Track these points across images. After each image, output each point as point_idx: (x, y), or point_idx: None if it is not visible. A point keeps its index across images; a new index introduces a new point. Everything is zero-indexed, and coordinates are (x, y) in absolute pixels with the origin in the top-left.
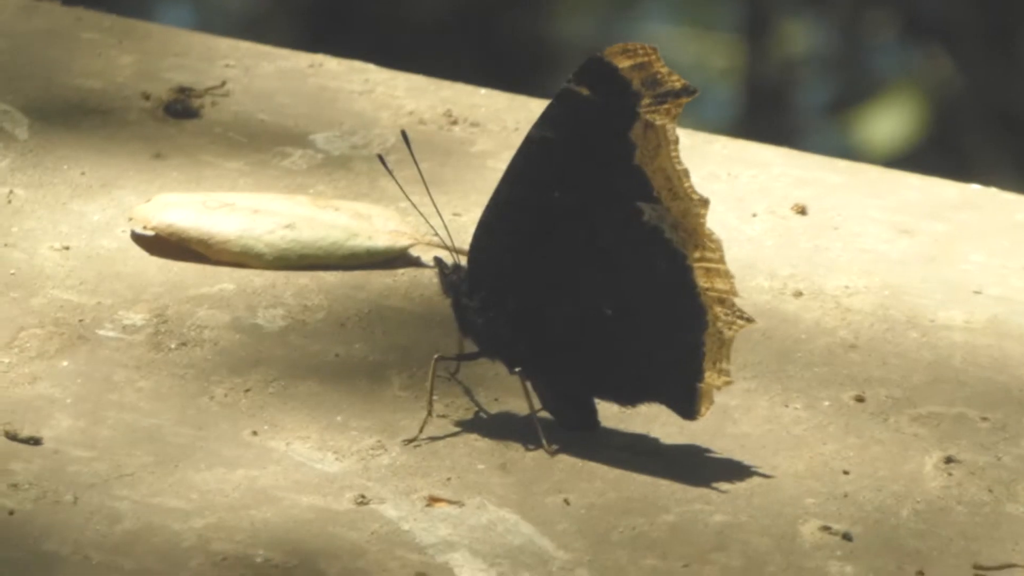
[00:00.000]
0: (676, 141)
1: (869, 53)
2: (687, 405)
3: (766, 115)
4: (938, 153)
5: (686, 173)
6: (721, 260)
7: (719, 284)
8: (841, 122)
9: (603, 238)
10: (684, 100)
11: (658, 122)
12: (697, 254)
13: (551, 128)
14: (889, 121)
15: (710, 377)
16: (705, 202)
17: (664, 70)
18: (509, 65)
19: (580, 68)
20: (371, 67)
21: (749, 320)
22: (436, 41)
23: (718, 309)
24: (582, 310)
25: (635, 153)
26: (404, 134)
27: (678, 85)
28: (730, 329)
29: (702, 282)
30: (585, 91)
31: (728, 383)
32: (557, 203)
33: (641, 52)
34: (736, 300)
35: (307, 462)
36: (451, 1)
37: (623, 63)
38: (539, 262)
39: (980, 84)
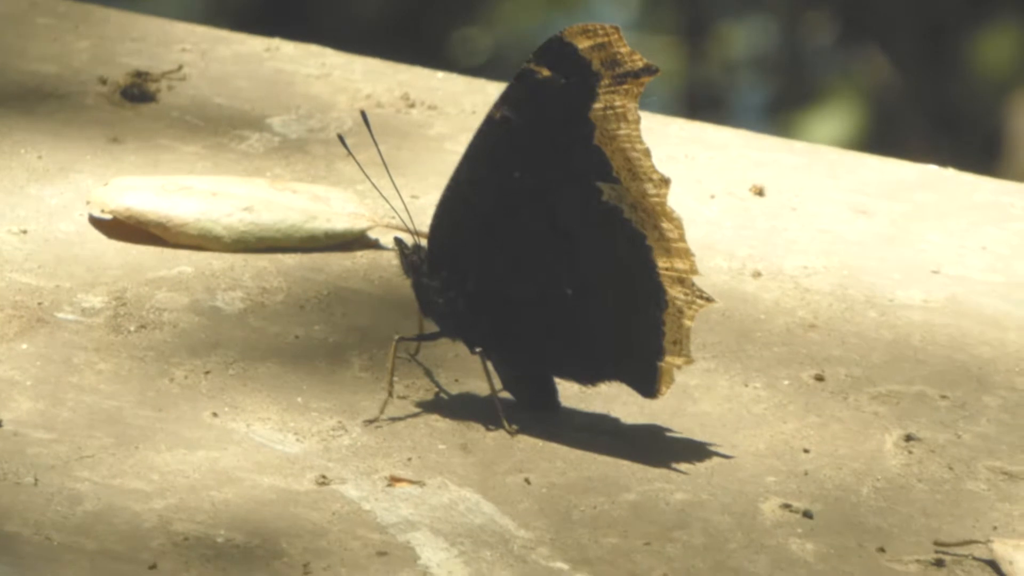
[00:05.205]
0: (638, 121)
1: (808, 55)
2: (647, 384)
3: (706, 117)
4: (877, 153)
5: (647, 152)
6: (681, 239)
7: (678, 264)
8: (781, 124)
9: (563, 218)
10: (645, 79)
11: (617, 102)
12: (656, 234)
13: (511, 108)
14: (828, 122)
15: (670, 356)
16: (666, 181)
17: (625, 50)
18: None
19: (540, 48)
20: (328, 51)
21: (709, 300)
22: (382, 32)
23: (677, 289)
24: (542, 290)
25: (594, 133)
26: (364, 115)
27: (639, 64)
28: (689, 308)
29: (661, 262)
30: (545, 71)
31: (688, 362)
32: (517, 183)
33: (601, 32)
34: (696, 280)
35: (268, 443)
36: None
37: (583, 43)
38: (499, 242)
39: (917, 85)
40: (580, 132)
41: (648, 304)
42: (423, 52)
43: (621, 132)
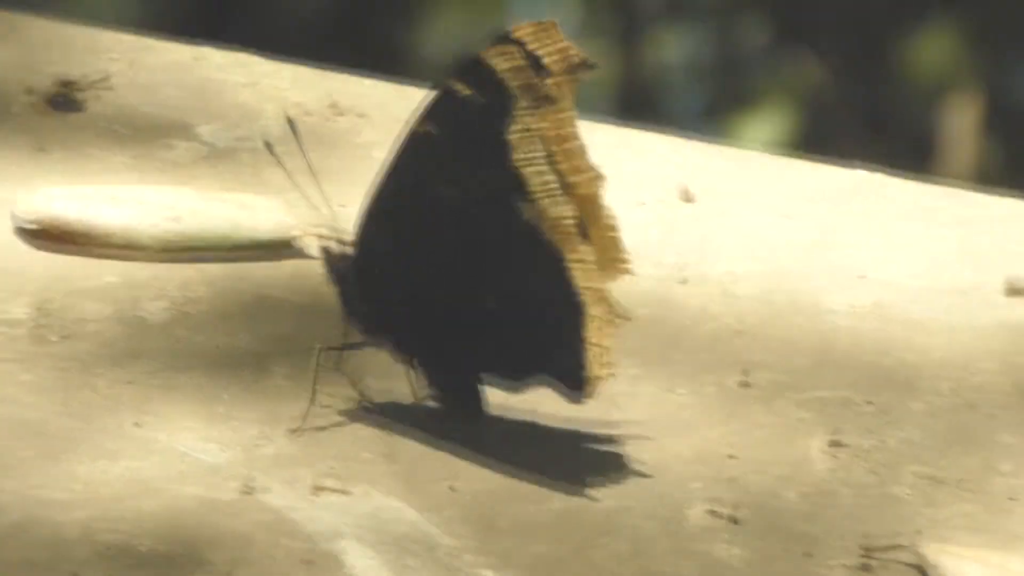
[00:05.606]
0: (571, 112)
1: (742, 59)
2: (572, 393)
3: (641, 121)
4: (810, 158)
5: (582, 149)
6: (611, 249)
7: (596, 283)
8: (716, 127)
9: (484, 234)
10: (578, 76)
11: (534, 125)
12: (575, 256)
13: (431, 123)
14: (763, 125)
15: (594, 369)
16: (600, 177)
17: (538, 80)
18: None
19: (459, 66)
20: (255, 59)
21: (626, 318)
22: (313, 34)
23: (597, 308)
24: (466, 301)
25: (512, 154)
26: (291, 122)
27: (576, 58)
28: (610, 326)
29: (581, 282)
30: (464, 89)
31: (611, 375)
32: (439, 196)
33: (519, 55)
34: (618, 295)
35: (191, 452)
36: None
37: (500, 64)
38: (423, 253)
39: (851, 87)
40: (498, 151)
41: (569, 320)
42: (375, 61)
43: (538, 155)
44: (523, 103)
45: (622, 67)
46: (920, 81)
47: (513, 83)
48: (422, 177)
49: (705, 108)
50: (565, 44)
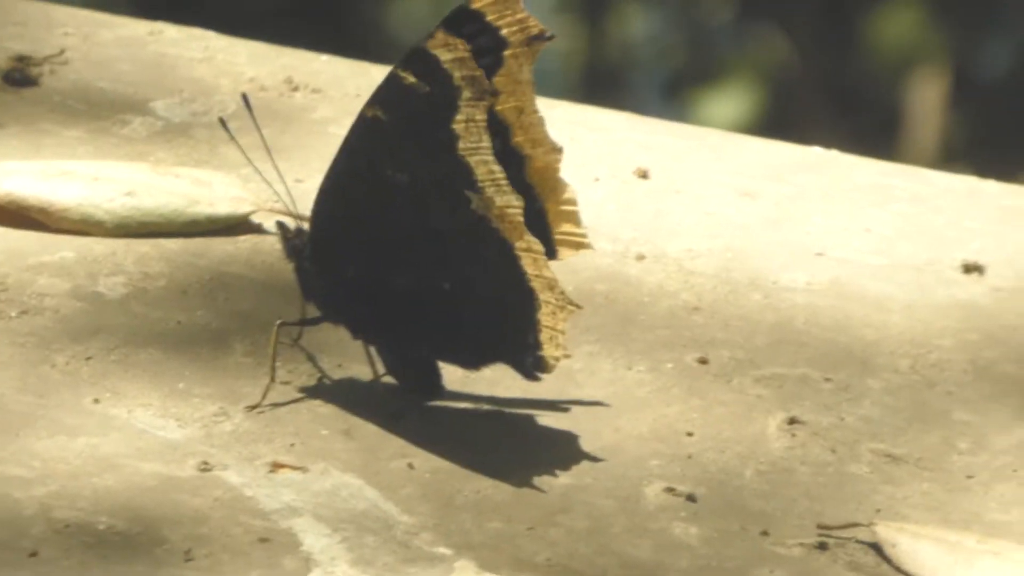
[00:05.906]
0: (530, 84)
1: (706, 35)
2: (528, 372)
3: (605, 98)
4: (775, 133)
5: (540, 121)
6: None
7: (547, 272)
8: (680, 104)
9: (435, 219)
10: (536, 47)
11: (478, 116)
12: (522, 245)
13: (382, 108)
14: (728, 102)
15: (548, 349)
16: (558, 150)
17: (476, 69)
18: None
19: (407, 55)
20: (211, 34)
21: (577, 306)
22: (274, 8)
23: (548, 294)
24: (420, 282)
25: (458, 144)
26: (245, 97)
27: (534, 29)
28: (562, 312)
29: (531, 269)
30: (411, 78)
31: (567, 356)
32: (390, 180)
33: (462, 47)
34: (575, 270)
35: (149, 429)
36: None
37: (444, 56)
38: (376, 234)
39: (817, 63)
40: (445, 140)
41: (522, 304)
42: (342, 40)
43: (483, 145)
44: (467, 94)
45: (588, 44)
46: (886, 56)
47: (456, 74)
48: (374, 160)
49: (670, 85)
50: (524, 15)
